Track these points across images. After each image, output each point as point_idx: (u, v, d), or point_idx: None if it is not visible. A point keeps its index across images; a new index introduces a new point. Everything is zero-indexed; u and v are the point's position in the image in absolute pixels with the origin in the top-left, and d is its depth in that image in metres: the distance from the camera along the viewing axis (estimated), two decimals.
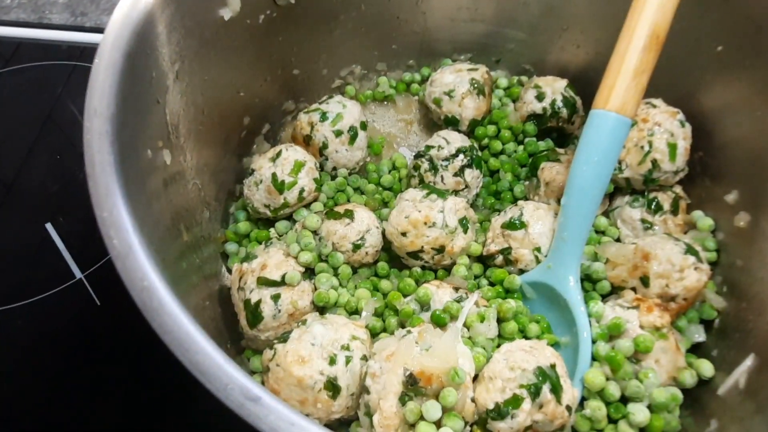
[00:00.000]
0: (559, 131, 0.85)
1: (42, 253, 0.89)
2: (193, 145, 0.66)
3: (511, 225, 0.71)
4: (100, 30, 1.07)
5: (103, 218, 0.46)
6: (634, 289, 0.67)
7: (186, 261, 0.62)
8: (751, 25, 0.65)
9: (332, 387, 0.57)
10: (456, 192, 0.77)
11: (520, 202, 0.74)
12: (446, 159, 0.77)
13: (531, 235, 0.70)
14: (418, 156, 0.79)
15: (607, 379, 0.61)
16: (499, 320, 0.65)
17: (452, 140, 0.78)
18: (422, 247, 0.69)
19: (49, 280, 0.86)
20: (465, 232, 0.70)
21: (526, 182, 0.81)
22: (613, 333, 0.63)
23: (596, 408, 0.59)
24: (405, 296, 0.68)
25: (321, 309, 0.69)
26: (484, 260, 0.74)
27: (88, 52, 1.11)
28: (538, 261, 0.70)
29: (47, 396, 0.78)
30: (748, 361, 0.60)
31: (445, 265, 0.72)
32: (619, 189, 0.76)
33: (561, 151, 0.79)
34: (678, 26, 0.63)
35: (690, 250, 0.65)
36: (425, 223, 0.68)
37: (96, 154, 0.48)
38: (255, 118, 0.81)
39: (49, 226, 0.91)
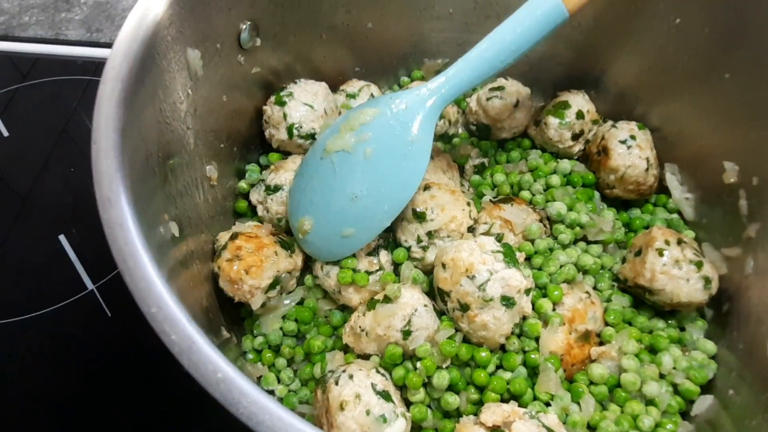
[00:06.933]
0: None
1: (55, 265, 0.90)
2: (202, 157, 0.68)
3: None
4: None
5: (115, 241, 0.46)
6: None
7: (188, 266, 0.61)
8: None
9: None
10: None
11: None
12: None
13: None
14: None
15: None
16: None
17: None
18: None
19: (62, 292, 0.87)
20: None
21: None
22: None
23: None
24: None
25: None
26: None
27: (102, 67, 1.12)
28: None
29: (59, 406, 0.78)
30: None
31: None
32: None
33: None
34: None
35: None
36: None
37: (104, 172, 0.49)
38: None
39: (62, 238, 0.92)
